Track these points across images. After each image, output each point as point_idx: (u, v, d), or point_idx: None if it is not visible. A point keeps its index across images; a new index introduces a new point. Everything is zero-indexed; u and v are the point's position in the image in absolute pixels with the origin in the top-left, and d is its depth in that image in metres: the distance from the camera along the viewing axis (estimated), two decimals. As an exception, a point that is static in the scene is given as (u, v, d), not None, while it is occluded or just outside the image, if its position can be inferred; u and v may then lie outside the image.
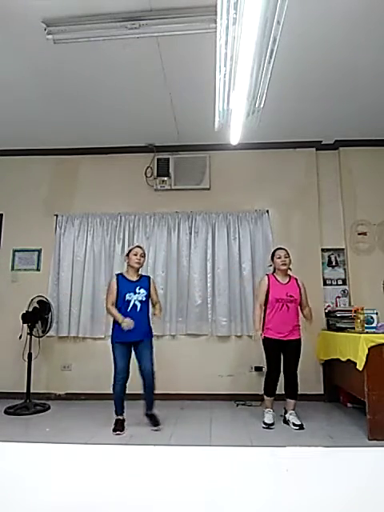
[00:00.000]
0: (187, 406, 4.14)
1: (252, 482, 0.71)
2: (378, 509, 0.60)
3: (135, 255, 3.50)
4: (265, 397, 3.57)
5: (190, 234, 4.82)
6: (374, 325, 3.64)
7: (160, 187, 4.92)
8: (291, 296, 3.51)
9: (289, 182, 4.89)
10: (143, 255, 3.57)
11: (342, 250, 4.79)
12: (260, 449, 0.82)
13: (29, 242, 4.93)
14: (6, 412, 3.98)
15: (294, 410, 3.50)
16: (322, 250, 4.78)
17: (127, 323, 3.27)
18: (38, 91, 3.83)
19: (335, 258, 4.79)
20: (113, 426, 3.33)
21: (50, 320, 4.40)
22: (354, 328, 3.81)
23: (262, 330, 3.52)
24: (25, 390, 4.22)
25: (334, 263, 4.79)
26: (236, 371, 4.55)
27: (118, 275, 3.56)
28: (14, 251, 4.95)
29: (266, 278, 3.62)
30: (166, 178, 4.92)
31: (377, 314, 3.73)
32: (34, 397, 4.23)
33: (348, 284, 4.70)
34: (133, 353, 3.43)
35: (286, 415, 3.52)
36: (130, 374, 3.41)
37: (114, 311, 3.39)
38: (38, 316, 4.32)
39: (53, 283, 4.80)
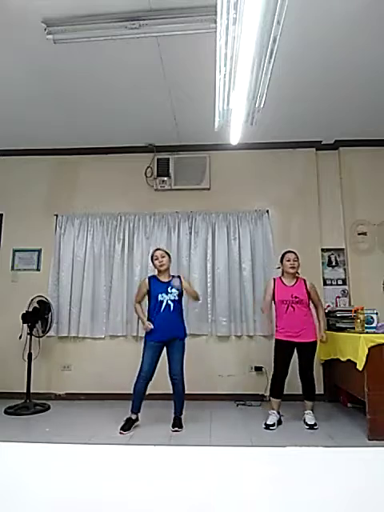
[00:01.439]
0: (187, 405, 4.13)
1: (252, 481, 0.71)
2: (377, 509, 0.60)
3: (156, 259, 3.56)
4: (271, 398, 3.58)
5: (190, 233, 4.81)
6: (373, 325, 3.65)
7: (160, 187, 4.92)
8: (296, 297, 3.52)
9: (289, 182, 4.89)
10: (164, 255, 3.58)
11: (342, 250, 4.79)
12: (260, 449, 0.82)
13: (29, 241, 4.93)
14: (5, 412, 3.98)
15: (311, 410, 3.51)
16: (322, 249, 4.78)
17: (147, 326, 3.44)
18: (38, 91, 3.82)
19: (335, 258, 4.79)
20: (122, 423, 3.35)
21: (49, 320, 4.40)
22: (354, 328, 3.82)
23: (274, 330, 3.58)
24: (25, 390, 4.22)
25: (333, 263, 4.79)
26: (236, 371, 4.55)
27: (150, 278, 3.62)
28: (14, 251, 4.95)
29: (272, 281, 3.68)
30: (165, 178, 4.91)
31: (377, 314, 3.74)
32: (34, 397, 4.23)
33: (348, 284, 4.70)
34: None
35: (304, 415, 3.53)
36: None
37: (139, 311, 3.59)
38: (38, 316, 4.33)
39: (53, 283, 4.79)
